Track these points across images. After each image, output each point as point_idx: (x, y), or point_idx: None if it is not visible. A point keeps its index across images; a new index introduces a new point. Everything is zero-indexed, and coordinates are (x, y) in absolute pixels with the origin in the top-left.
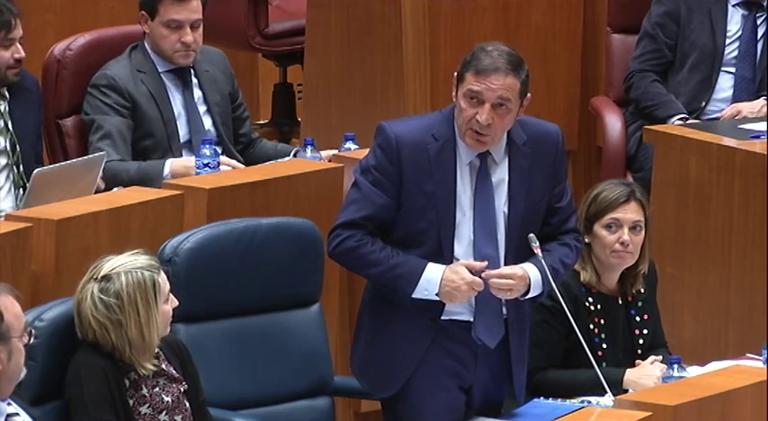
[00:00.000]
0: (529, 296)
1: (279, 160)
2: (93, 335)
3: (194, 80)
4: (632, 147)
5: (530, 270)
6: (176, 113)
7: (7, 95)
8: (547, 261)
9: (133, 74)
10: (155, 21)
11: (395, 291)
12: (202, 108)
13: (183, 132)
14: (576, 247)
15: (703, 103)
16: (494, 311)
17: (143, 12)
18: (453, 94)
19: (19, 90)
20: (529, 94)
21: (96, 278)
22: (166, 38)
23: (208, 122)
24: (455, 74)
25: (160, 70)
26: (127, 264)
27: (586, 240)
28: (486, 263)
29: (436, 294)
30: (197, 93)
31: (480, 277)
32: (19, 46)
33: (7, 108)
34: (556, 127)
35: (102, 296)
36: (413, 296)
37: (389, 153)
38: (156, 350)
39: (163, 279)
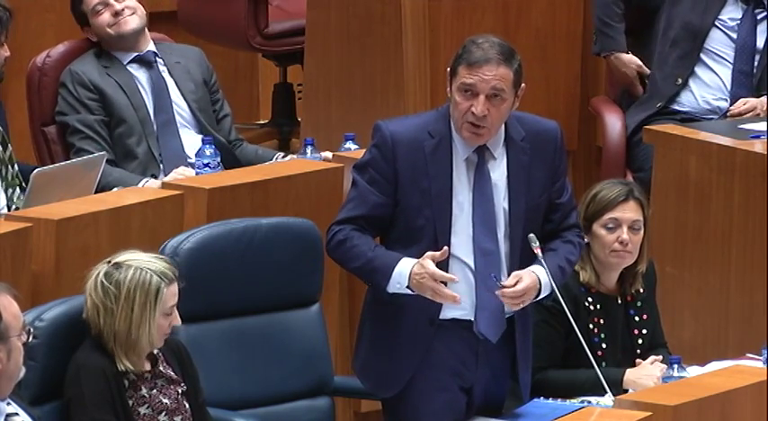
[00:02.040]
0: (540, 297)
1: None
2: (87, 315)
3: (164, 69)
4: (632, 146)
5: (539, 273)
6: (146, 101)
7: None
8: (554, 260)
9: (98, 68)
10: (90, 22)
11: (373, 285)
12: (176, 94)
13: (154, 119)
14: (578, 243)
15: (680, 81)
16: (495, 305)
17: (79, 25)
18: (448, 89)
19: None
20: (523, 84)
21: (110, 262)
22: (101, 20)
23: (183, 109)
24: (448, 69)
25: (125, 62)
26: (143, 261)
27: (585, 240)
28: (445, 249)
29: (407, 287)
30: (167, 78)
31: (494, 289)
32: (6, 45)
33: None
34: (554, 123)
35: (104, 280)
36: (387, 290)
37: (385, 151)
38: (156, 351)
39: (171, 292)
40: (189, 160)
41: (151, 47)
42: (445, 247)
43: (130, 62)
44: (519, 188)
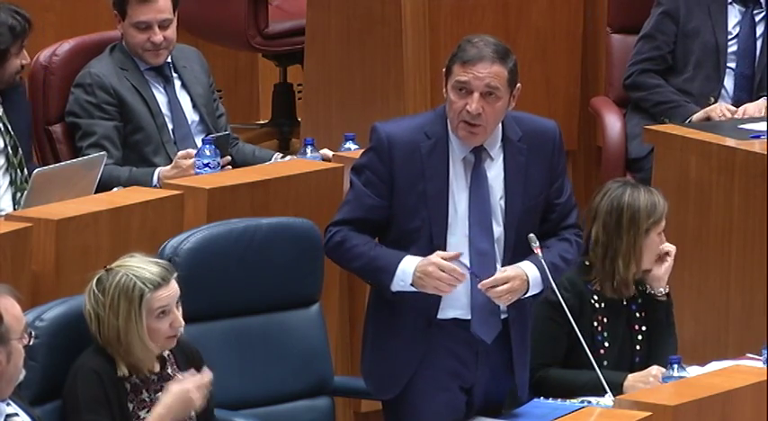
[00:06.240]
0: (528, 294)
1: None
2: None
3: (175, 75)
4: (632, 147)
5: (526, 268)
6: (162, 108)
7: None
8: (546, 257)
9: (116, 71)
10: (125, 21)
11: (377, 284)
12: (187, 102)
13: (170, 127)
14: (576, 242)
15: (712, 99)
16: (489, 307)
17: (116, 12)
18: (444, 89)
19: (9, 92)
20: (519, 84)
21: (106, 267)
22: (136, 38)
23: (195, 116)
24: (444, 69)
25: (141, 69)
26: (133, 266)
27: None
28: (459, 253)
29: (411, 284)
30: (180, 88)
31: (473, 278)
32: (25, 51)
33: (2, 110)
34: (553, 122)
35: (95, 287)
36: (391, 289)
37: (381, 153)
38: (167, 353)
39: (158, 296)
40: None
41: (168, 59)
42: (458, 252)
43: (147, 70)
44: (515, 189)
